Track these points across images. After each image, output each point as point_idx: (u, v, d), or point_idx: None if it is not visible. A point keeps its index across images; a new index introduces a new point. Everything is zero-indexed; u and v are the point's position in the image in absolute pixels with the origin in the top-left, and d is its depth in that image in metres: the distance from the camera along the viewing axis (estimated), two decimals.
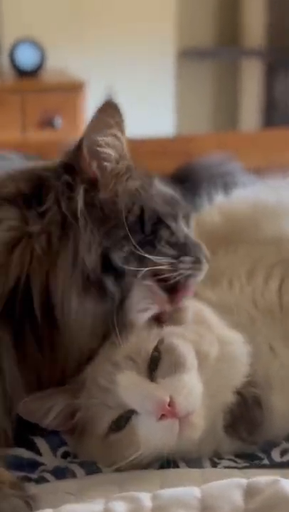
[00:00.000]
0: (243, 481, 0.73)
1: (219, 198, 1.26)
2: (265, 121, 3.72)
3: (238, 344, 0.95)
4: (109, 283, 0.92)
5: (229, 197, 1.25)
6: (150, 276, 0.95)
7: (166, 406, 0.84)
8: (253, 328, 0.98)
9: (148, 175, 1.03)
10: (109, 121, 0.96)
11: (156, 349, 0.90)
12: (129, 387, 0.87)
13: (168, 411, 0.84)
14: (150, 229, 0.96)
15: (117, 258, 0.92)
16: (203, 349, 0.92)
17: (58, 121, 3.00)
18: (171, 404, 0.85)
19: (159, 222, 0.97)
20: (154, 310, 0.96)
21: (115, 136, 0.97)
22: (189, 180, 1.72)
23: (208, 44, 3.81)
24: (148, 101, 3.56)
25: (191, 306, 1.00)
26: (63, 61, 3.25)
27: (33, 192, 0.95)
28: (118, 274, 0.93)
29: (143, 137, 1.94)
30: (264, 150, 2.03)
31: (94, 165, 0.95)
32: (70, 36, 3.41)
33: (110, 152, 0.96)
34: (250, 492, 0.72)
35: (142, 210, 0.96)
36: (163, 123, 3.61)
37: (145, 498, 0.72)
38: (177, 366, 0.88)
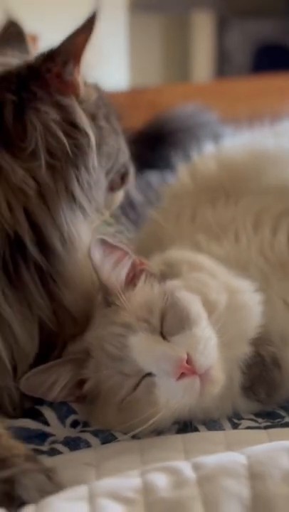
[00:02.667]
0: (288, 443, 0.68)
1: (210, 148, 1.19)
2: (216, 73, 3.65)
3: (249, 292, 0.90)
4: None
5: (221, 146, 1.18)
6: None
7: (185, 364, 0.79)
8: (265, 283, 0.93)
9: None
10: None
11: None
12: (144, 349, 0.81)
13: (187, 369, 0.79)
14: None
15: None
16: (211, 298, 0.86)
17: None
18: (189, 361, 0.79)
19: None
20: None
21: None
22: (164, 133, 1.65)
23: None
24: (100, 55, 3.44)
25: (185, 256, 0.93)
26: (14, 15, 3.11)
27: None
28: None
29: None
30: (224, 101, 1.96)
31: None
32: None
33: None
34: None
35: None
36: (116, 77, 3.51)
37: (186, 468, 0.65)
38: (183, 321, 0.83)
